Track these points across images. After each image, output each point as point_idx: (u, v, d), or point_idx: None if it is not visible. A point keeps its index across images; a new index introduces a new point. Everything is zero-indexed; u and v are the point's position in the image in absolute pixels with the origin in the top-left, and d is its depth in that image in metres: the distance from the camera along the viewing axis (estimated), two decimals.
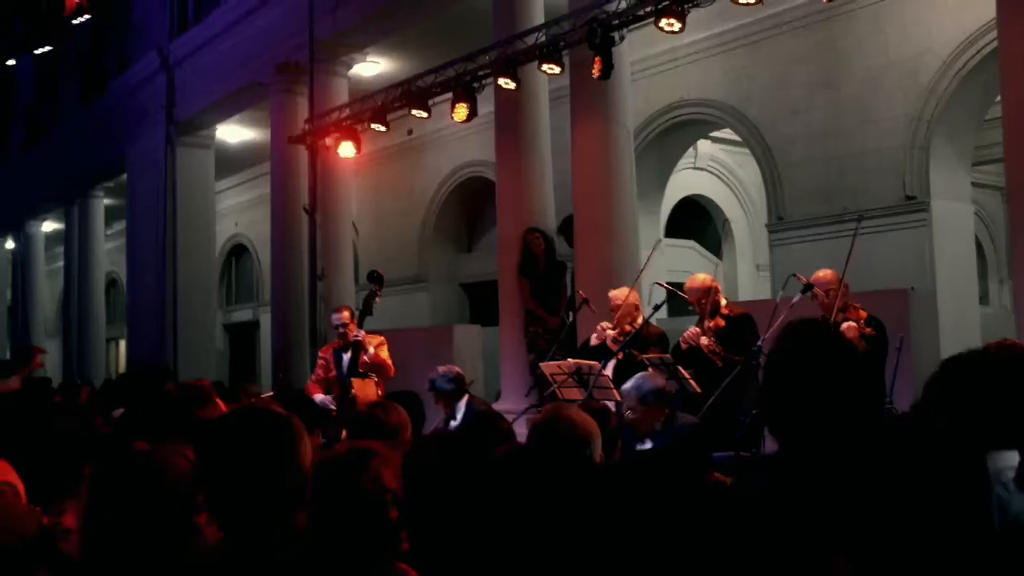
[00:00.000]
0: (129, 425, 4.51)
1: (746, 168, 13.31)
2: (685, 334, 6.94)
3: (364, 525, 2.34)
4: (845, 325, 6.27)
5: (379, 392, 7.97)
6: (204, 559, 2.23)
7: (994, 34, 7.26)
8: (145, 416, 4.33)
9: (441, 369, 7.29)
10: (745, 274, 14.45)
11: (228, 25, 15.51)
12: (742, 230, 14.64)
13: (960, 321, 9.28)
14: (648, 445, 5.60)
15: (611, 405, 6.33)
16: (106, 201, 21.13)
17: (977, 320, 9.74)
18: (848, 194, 9.97)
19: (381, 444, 2.58)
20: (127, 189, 19.15)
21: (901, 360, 6.35)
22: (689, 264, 12.73)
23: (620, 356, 7.07)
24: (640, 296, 7.90)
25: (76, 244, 21.21)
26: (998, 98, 7.30)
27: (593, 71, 8.80)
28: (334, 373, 8.61)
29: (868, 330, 6.27)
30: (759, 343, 6.28)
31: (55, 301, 24.42)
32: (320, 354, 9.14)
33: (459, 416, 7.10)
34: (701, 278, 7.13)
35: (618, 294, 7.55)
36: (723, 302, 7.06)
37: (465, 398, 7.19)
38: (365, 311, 8.34)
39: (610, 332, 7.32)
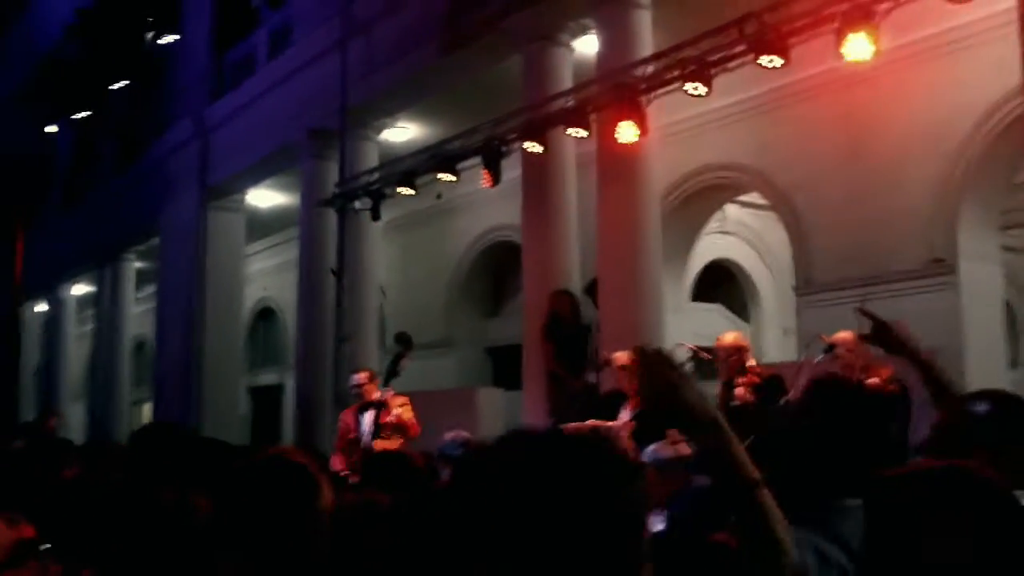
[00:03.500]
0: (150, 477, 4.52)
1: (773, 232, 13.33)
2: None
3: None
4: (867, 382, 6.25)
5: None
6: None
7: (1021, 98, 7.30)
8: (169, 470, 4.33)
9: (448, 436, 7.29)
10: (772, 338, 14.39)
11: (262, 92, 15.85)
12: (769, 294, 14.62)
13: (988, 383, 9.12)
14: (661, 515, 5.55)
15: None
16: (137, 264, 21.39)
17: (1007, 382, 9.62)
18: (876, 257, 9.95)
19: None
20: (159, 252, 19.41)
21: (926, 420, 6.26)
22: (716, 327, 12.67)
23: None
24: None
25: (106, 306, 21.43)
26: None
27: (619, 136, 8.91)
28: (353, 435, 8.57)
29: (892, 387, 6.23)
30: (782, 401, 6.27)
31: (83, 363, 24.60)
32: (341, 417, 9.13)
33: None
34: (732, 336, 7.20)
35: (622, 355, 7.63)
36: (752, 362, 7.08)
37: None
38: (392, 372, 8.36)
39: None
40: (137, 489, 3.90)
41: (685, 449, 5.98)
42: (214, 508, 2.38)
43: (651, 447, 5.92)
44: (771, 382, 6.93)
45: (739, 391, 6.79)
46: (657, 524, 5.41)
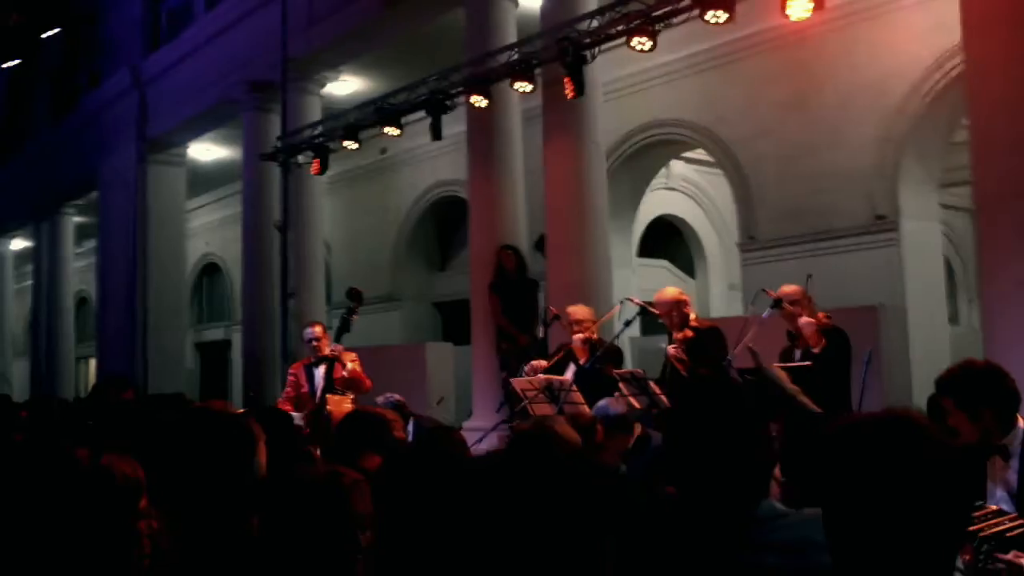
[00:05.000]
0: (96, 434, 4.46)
1: (718, 188, 13.39)
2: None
3: (328, 547, 2.29)
4: (802, 320, 6.32)
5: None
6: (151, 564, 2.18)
7: (961, 57, 7.35)
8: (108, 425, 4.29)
9: (380, 399, 7.27)
10: (718, 294, 14.51)
11: (201, 43, 15.49)
12: (714, 250, 14.71)
13: (929, 338, 9.35)
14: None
15: None
16: (76, 219, 20.97)
17: (947, 338, 9.82)
18: (819, 213, 10.04)
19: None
20: (98, 206, 19.04)
21: (870, 375, 6.38)
22: (662, 283, 12.75)
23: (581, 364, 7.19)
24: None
25: (45, 262, 21.01)
26: (965, 120, 7.38)
27: (565, 90, 8.86)
28: (305, 389, 8.52)
29: (826, 321, 6.32)
30: (728, 358, 6.31)
31: (24, 320, 24.15)
32: (290, 371, 9.06)
33: (410, 439, 7.07)
34: (671, 291, 7.24)
35: (577, 309, 7.66)
36: (692, 315, 7.14)
37: (411, 420, 7.16)
38: (343, 328, 8.28)
39: (577, 337, 7.40)
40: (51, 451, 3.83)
41: (627, 408, 6.06)
42: (144, 464, 2.33)
43: (602, 402, 5.96)
44: (708, 334, 6.98)
45: (671, 349, 6.84)
46: None
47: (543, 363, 7.57)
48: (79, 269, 21.91)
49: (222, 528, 2.14)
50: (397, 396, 7.34)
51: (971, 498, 1.67)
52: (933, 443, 1.55)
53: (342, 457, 3.46)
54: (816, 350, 6.18)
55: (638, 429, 6.17)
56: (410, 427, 7.07)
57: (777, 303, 6.60)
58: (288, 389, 8.72)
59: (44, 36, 15.77)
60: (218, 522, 2.14)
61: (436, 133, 10.20)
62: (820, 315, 6.43)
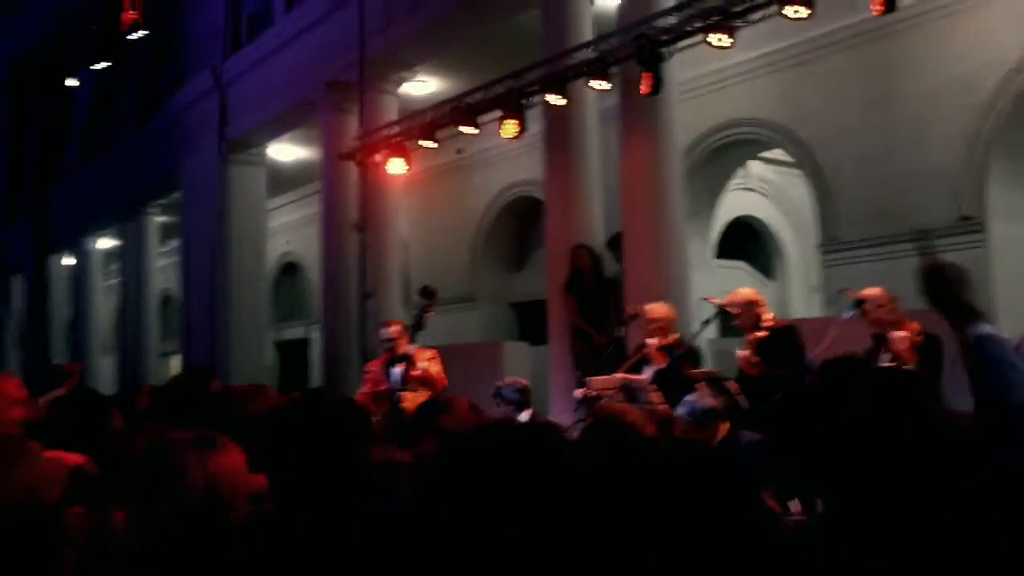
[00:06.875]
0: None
1: (797, 189, 13.16)
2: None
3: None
4: (895, 334, 6.15)
5: None
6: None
7: None
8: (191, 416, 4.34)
9: (508, 379, 7.34)
10: (797, 296, 14.27)
11: (280, 44, 15.73)
12: (794, 251, 14.47)
13: None
14: None
15: None
16: (160, 218, 21.45)
17: None
18: (901, 214, 9.80)
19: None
20: (181, 207, 19.45)
21: (955, 380, 6.19)
22: (741, 285, 12.58)
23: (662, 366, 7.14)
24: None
25: (132, 261, 21.53)
26: None
27: (641, 88, 8.79)
28: (385, 387, 8.61)
29: (918, 339, 6.12)
30: (810, 358, 6.20)
31: (111, 317, 24.78)
32: (368, 367, 9.16)
33: None
34: (744, 291, 7.21)
35: (655, 308, 7.62)
36: (767, 315, 7.06)
37: (528, 412, 7.15)
38: (417, 326, 8.35)
39: (651, 341, 7.37)
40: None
41: (715, 400, 6.01)
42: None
43: (689, 396, 5.93)
44: (783, 334, 6.88)
45: (741, 354, 6.76)
46: None
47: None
48: (163, 267, 22.41)
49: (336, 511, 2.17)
50: (523, 381, 7.33)
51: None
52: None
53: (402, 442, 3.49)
54: (911, 366, 5.97)
55: (725, 428, 6.10)
56: (523, 417, 7.04)
57: (858, 304, 6.47)
58: (367, 385, 8.82)
59: (131, 38, 16.12)
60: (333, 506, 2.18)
61: (520, 129, 10.10)
62: (915, 326, 6.22)
